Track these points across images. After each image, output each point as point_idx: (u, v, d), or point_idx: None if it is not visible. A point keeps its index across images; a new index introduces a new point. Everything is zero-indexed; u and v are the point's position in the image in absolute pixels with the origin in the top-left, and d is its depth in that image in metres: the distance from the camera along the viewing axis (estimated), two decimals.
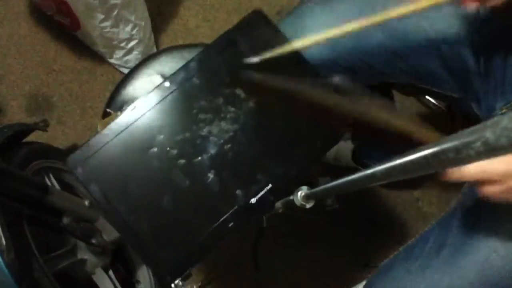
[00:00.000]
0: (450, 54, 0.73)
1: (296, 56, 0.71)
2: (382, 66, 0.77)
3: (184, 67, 0.69)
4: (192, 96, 0.68)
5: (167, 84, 0.68)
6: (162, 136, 0.66)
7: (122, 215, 0.63)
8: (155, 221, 0.64)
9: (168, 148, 0.66)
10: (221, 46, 0.70)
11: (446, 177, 0.53)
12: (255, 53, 0.69)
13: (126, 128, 0.66)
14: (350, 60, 0.77)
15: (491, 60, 0.70)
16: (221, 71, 0.69)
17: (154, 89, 0.68)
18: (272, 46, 0.69)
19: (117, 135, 0.65)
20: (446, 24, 0.71)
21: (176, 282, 0.63)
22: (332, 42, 0.77)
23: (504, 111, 0.70)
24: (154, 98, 0.67)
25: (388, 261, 0.72)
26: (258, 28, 0.72)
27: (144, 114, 0.66)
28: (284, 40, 0.71)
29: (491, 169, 0.52)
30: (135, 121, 0.66)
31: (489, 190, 0.54)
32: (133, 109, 0.66)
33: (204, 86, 0.69)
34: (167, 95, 0.67)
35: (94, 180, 0.63)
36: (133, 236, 0.63)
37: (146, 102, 0.67)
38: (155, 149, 0.66)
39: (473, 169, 0.53)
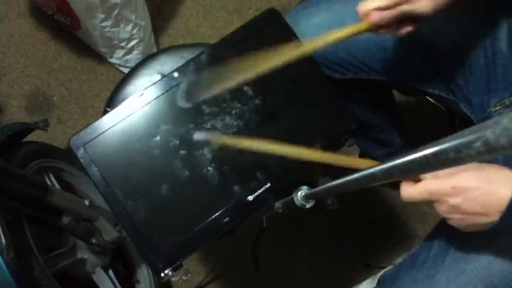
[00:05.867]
0: (433, 52, 0.74)
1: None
2: (370, 61, 0.78)
3: (194, 59, 0.69)
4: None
5: (175, 74, 0.68)
6: (166, 126, 0.66)
7: (120, 200, 0.63)
8: (152, 209, 0.64)
9: (170, 138, 0.66)
10: (232, 42, 0.71)
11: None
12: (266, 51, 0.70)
13: (130, 114, 0.66)
14: (339, 55, 0.79)
15: (475, 58, 0.71)
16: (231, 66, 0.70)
17: (162, 78, 0.68)
18: (283, 44, 0.70)
19: (121, 120, 0.66)
20: (429, 22, 0.72)
21: (166, 271, 0.63)
22: None
23: (498, 108, 0.70)
24: (161, 87, 0.68)
25: (393, 269, 0.72)
26: (272, 26, 0.72)
27: (150, 102, 0.67)
28: (296, 39, 0.71)
29: (431, 188, 0.51)
30: (140, 108, 0.67)
31: (439, 210, 0.54)
32: (140, 96, 0.67)
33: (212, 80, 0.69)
34: (175, 85, 0.68)
35: (95, 163, 0.64)
36: (129, 221, 0.63)
37: (153, 91, 0.67)
38: (158, 138, 0.66)
39: (418, 190, 0.52)
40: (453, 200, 0.51)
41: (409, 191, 0.52)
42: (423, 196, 0.52)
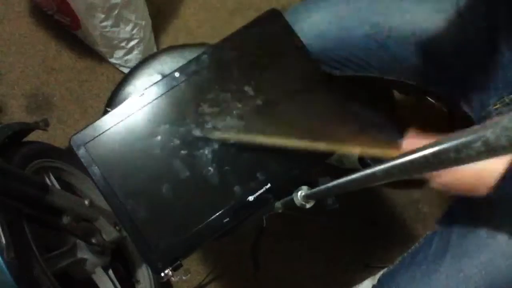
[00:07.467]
0: (433, 51, 0.74)
1: (301, 51, 0.72)
2: (369, 59, 0.79)
3: (196, 59, 0.69)
4: (200, 89, 0.68)
5: (176, 74, 0.68)
6: (166, 126, 0.66)
7: (120, 199, 0.63)
8: (152, 208, 0.64)
9: (171, 138, 0.66)
10: (234, 42, 0.71)
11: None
12: (268, 51, 0.70)
13: (131, 114, 0.66)
14: (339, 52, 0.79)
15: (474, 57, 0.71)
16: (232, 66, 0.70)
17: (163, 78, 0.68)
18: (285, 46, 0.69)
19: (122, 120, 0.66)
20: (429, 20, 0.73)
21: (166, 271, 0.63)
22: (321, 35, 0.78)
23: (497, 106, 0.70)
24: (162, 87, 0.68)
25: (392, 267, 0.72)
26: (273, 27, 0.72)
27: (151, 101, 0.67)
28: (297, 40, 0.71)
29: None
30: (142, 107, 0.67)
31: (437, 182, 0.56)
32: (141, 95, 0.67)
33: (213, 80, 0.69)
34: (176, 85, 0.68)
35: (95, 162, 0.64)
36: (129, 221, 0.63)
37: (154, 90, 0.67)
38: (159, 137, 0.66)
39: None
40: (441, 180, 0.54)
41: None
42: None
